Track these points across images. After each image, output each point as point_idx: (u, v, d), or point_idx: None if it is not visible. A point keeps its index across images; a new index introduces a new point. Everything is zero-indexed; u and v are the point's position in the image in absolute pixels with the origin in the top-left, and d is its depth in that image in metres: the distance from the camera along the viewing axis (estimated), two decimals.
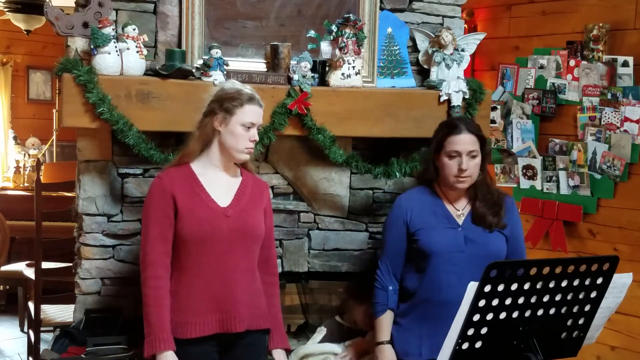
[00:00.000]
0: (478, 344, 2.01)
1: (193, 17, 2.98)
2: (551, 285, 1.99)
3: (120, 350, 2.78)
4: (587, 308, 2.12)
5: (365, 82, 3.15)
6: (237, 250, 2.49)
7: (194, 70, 2.90)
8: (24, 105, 6.86)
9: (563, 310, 2.08)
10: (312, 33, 3.06)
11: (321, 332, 3.10)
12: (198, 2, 2.98)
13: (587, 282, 2.05)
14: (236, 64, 3.03)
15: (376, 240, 3.30)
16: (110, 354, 2.75)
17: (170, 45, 3.00)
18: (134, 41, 2.82)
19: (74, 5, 2.97)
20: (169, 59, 2.87)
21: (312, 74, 3.01)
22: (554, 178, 4.23)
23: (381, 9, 3.23)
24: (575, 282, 2.03)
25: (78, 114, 2.75)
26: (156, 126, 2.84)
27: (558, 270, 1.98)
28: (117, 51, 2.80)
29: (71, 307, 3.19)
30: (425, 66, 3.27)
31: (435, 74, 3.19)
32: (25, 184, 6.26)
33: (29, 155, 6.41)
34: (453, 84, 3.13)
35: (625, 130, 3.95)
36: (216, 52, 2.85)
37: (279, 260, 3.14)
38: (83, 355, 2.76)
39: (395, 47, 3.26)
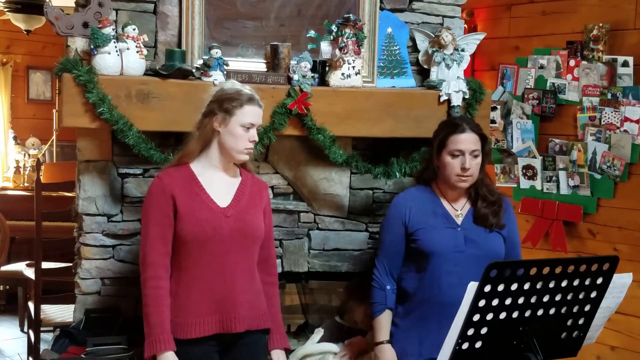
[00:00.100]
0: (478, 344, 2.00)
1: (193, 17, 2.98)
2: (551, 285, 1.99)
3: (120, 350, 2.78)
4: (587, 308, 2.12)
5: (365, 82, 3.15)
6: (237, 250, 2.49)
7: (194, 70, 2.90)
8: (24, 105, 6.86)
9: (563, 310, 2.08)
10: (312, 33, 3.05)
11: (319, 332, 3.10)
12: (198, 2, 2.98)
13: (587, 282, 2.05)
14: (236, 64, 3.03)
15: (376, 240, 3.29)
16: (110, 354, 2.75)
17: (170, 45, 3.00)
18: (134, 41, 2.82)
19: (74, 5, 2.97)
20: (169, 59, 2.87)
21: (312, 74, 3.01)
22: (554, 178, 4.22)
23: (381, 9, 3.23)
24: (575, 282, 2.03)
25: (78, 114, 2.75)
26: (156, 126, 2.85)
27: (558, 270, 1.98)
28: (117, 51, 2.80)
29: (71, 307, 3.19)
30: (425, 66, 3.27)
31: (435, 74, 3.19)
32: (25, 184, 6.25)
33: (29, 155, 6.40)
34: (453, 84, 3.13)
35: (625, 130, 3.95)
36: (216, 52, 2.85)
37: (279, 260, 3.14)
38: (83, 355, 2.76)
39: (395, 47, 3.26)
